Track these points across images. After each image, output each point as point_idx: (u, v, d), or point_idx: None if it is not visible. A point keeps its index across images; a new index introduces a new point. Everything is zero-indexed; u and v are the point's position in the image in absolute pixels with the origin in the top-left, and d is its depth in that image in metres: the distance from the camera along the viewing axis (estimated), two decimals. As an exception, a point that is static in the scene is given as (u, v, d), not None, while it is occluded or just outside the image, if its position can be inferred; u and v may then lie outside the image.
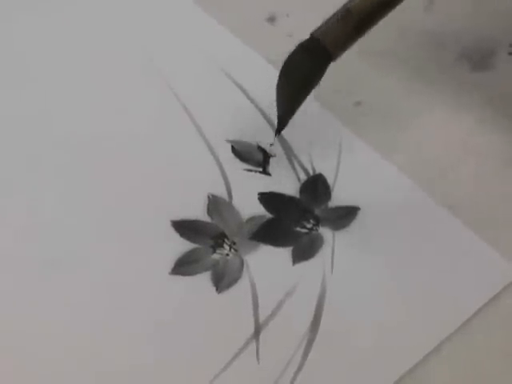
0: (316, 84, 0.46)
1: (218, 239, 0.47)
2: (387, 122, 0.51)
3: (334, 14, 0.45)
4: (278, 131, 0.49)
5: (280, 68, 0.47)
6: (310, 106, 0.50)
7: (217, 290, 0.45)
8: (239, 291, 0.45)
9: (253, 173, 0.49)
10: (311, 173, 0.49)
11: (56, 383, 0.43)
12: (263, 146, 0.50)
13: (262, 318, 0.44)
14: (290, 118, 0.47)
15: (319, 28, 0.45)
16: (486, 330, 0.44)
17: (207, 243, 0.47)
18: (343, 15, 0.44)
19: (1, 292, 0.45)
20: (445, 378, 0.43)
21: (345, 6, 0.45)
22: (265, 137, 0.50)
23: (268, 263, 0.46)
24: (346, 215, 0.48)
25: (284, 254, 0.46)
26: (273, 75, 0.48)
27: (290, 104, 0.47)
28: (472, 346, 0.43)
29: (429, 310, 0.44)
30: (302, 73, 0.46)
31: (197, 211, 0.48)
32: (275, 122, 0.50)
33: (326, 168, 0.49)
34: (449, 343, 0.43)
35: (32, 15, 0.56)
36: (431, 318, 0.44)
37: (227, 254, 0.46)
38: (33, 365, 0.43)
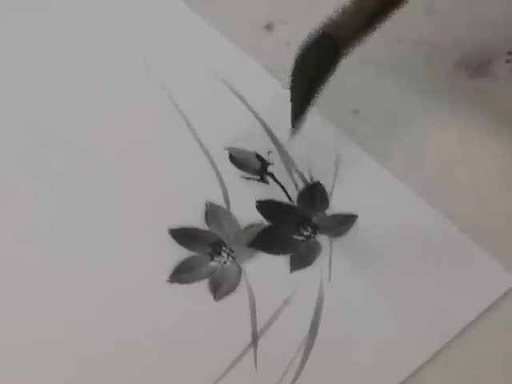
0: (327, 79, 0.45)
1: (216, 247, 0.47)
2: (385, 130, 0.51)
3: (345, 8, 0.44)
4: (296, 129, 0.48)
5: (279, 74, 0.47)
6: (307, 113, 0.50)
7: (214, 297, 0.45)
8: (237, 299, 0.45)
9: (251, 180, 0.49)
10: (309, 181, 0.49)
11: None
12: (261, 153, 0.50)
13: (259, 326, 0.44)
14: (306, 114, 0.47)
15: (330, 23, 0.45)
16: (484, 338, 0.44)
17: (205, 251, 0.47)
18: (353, 10, 0.44)
19: (0, 294, 0.45)
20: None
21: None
22: (263, 144, 0.50)
23: (266, 271, 0.46)
24: (343, 223, 0.48)
25: (282, 261, 0.46)
26: (270, 82, 0.48)
27: (306, 100, 0.46)
28: (470, 353, 0.43)
29: (427, 318, 0.44)
30: (315, 69, 0.45)
31: (194, 219, 0.48)
32: (273, 129, 0.50)
33: (323, 176, 0.49)
34: (447, 351, 0.43)
35: (27, 21, 0.56)
36: (429, 325, 0.44)
37: (225, 262, 0.46)
38: (31, 366, 0.43)
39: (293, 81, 0.46)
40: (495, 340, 0.44)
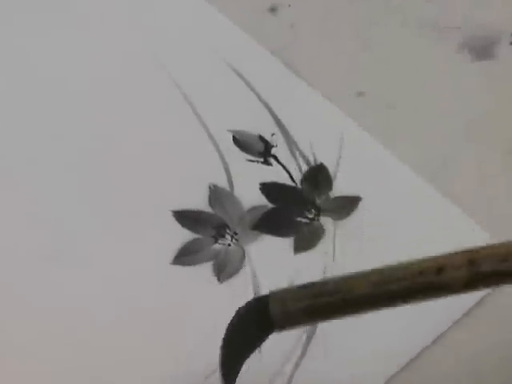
0: (252, 349, 0.39)
1: (220, 229, 0.47)
2: (389, 112, 0.51)
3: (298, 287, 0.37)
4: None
5: (283, 56, 0.46)
6: (311, 95, 0.50)
7: (218, 280, 0.45)
8: (240, 281, 0.45)
9: (254, 163, 0.49)
10: (313, 163, 0.49)
11: (56, 378, 0.43)
12: (265, 136, 0.50)
13: (263, 308, 0.44)
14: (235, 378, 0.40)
15: (275, 292, 0.37)
16: (482, 326, 0.44)
17: (209, 233, 0.47)
18: (298, 290, 0.36)
19: (1, 286, 0.45)
20: (440, 375, 0.43)
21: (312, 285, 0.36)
22: (266, 127, 0.50)
23: (269, 253, 0.46)
24: (347, 205, 0.48)
25: (285, 244, 0.46)
26: (274, 65, 0.48)
27: (233, 366, 0.39)
28: (468, 342, 0.43)
29: (426, 305, 0.44)
30: (244, 333, 0.39)
31: (198, 201, 0.48)
32: (277, 112, 0.50)
33: (327, 158, 0.49)
34: (444, 339, 0.43)
35: (34, 13, 0.56)
36: (432, 310, 0.44)
37: (229, 245, 0.46)
38: (32, 359, 0.43)
39: (222, 350, 0.39)
40: (492, 328, 0.44)
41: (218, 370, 0.39)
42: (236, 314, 0.38)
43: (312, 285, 0.35)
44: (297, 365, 0.43)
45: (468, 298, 0.44)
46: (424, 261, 0.33)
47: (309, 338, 0.44)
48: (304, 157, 0.49)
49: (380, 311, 0.34)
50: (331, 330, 0.44)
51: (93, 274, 0.45)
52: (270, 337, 0.43)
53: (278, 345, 0.43)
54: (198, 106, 0.51)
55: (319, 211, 0.47)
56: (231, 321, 0.39)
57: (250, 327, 0.38)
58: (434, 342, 0.43)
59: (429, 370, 0.43)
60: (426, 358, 0.43)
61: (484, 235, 0.46)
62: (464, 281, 0.32)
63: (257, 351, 0.43)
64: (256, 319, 0.38)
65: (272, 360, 0.43)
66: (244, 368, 0.42)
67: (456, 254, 0.33)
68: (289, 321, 0.36)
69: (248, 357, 0.39)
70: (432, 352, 0.43)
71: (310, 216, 0.47)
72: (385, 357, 0.43)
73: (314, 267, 0.46)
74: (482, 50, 0.53)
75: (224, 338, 0.39)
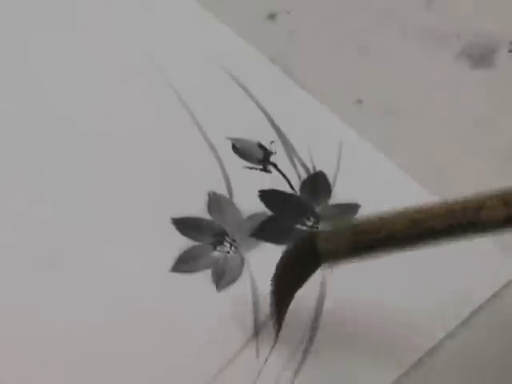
0: (301, 284, 0.42)
1: (219, 237, 0.47)
2: (388, 119, 0.51)
3: (342, 225, 0.42)
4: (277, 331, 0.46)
5: (283, 63, 0.46)
6: (310, 103, 0.50)
7: (217, 287, 0.45)
8: (239, 289, 0.45)
9: (253, 170, 0.49)
10: (312, 170, 0.49)
11: (55, 380, 0.43)
12: (264, 143, 0.50)
13: (262, 316, 0.44)
14: (284, 317, 0.43)
15: (324, 231, 0.42)
16: (485, 328, 0.44)
17: (207, 241, 0.47)
18: (348, 228, 0.40)
19: (0, 289, 0.45)
20: (444, 376, 0.43)
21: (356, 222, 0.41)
22: (265, 134, 0.50)
23: (268, 261, 0.46)
24: (346, 213, 0.48)
25: (284, 251, 0.46)
26: (273, 72, 0.48)
27: (284, 302, 0.43)
28: (472, 344, 0.43)
29: (429, 308, 0.44)
30: (292, 269, 0.42)
31: (197, 209, 0.48)
32: (276, 119, 0.50)
33: (326, 165, 0.49)
34: (448, 341, 0.43)
35: (33, 12, 0.56)
36: (431, 315, 0.44)
37: (227, 252, 0.46)
38: (32, 362, 0.43)
39: (273, 283, 0.42)
40: (498, 330, 0.44)
41: (270, 302, 0.42)
42: (286, 251, 0.42)
43: (358, 222, 0.39)
44: (298, 370, 0.43)
45: (467, 304, 0.44)
46: (465, 201, 0.37)
47: (310, 343, 0.43)
48: (303, 164, 0.49)
49: (421, 249, 0.38)
50: (334, 327, 0.44)
51: (92, 281, 0.45)
52: (271, 338, 0.43)
53: (280, 349, 0.43)
54: (197, 113, 0.51)
55: (318, 219, 0.47)
56: (281, 257, 0.42)
57: (299, 262, 0.41)
58: (436, 345, 0.43)
59: (429, 376, 0.43)
60: (427, 364, 0.43)
61: (481, 240, 0.46)
62: (502, 218, 0.36)
63: (256, 356, 0.43)
64: (304, 255, 0.41)
65: (273, 364, 0.43)
66: (245, 372, 0.42)
67: (492, 195, 0.37)
68: (335, 256, 0.40)
69: (297, 291, 0.42)
70: (432, 358, 0.43)
71: (309, 223, 0.47)
72: (385, 363, 0.43)
73: (312, 275, 0.45)
74: (480, 57, 0.53)
75: (274, 274, 0.42)
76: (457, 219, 0.37)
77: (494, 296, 0.45)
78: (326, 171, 0.49)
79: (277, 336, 0.44)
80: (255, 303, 0.45)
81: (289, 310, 0.44)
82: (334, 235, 0.40)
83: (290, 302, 0.42)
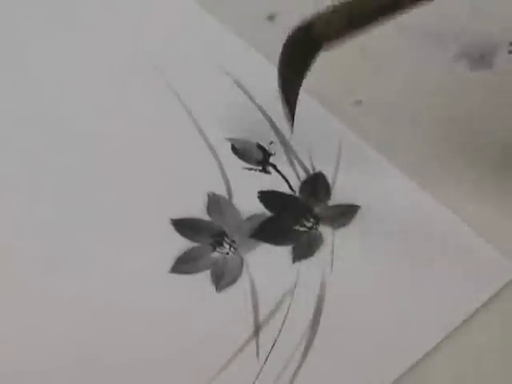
0: (306, 69, 0.45)
1: (218, 238, 0.47)
2: (387, 120, 0.51)
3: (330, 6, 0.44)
4: (292, 123, 0.48)
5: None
6: (309, 104, 0.50)
7: (216, 288, 0.45)
8: (239, 290, 0.45)
9: (252, 171, 0.49)
10: (311, 171, 0.49)
11: (55, 380, 0.43)
12: (263, 144, 0.50)
13: (261, 317, 0.44)
14: (296, 101, 0.47)
15: (312, 18, 0.44)
16: (486, 329, 0.44)
17: (207, 242, 0.47)
18: (339, 7, 0.43)
19: (0, 289, 0.45)
20: (445, 377, 0.43)
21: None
22: (265, 135, 0.50)
23: (268, 262, 0.46)
24: (345, 213, 0.48)
25: (284, 252, 0.46)
26: (273, 73, 0.48)
27: (294, 87, 0.46)
28: (472, 344, 0.43)
29: (428, 309, 0.45)
30: (295, 58, 0.45)
31: (196, 210, 0.48)
32: (275, 120, 0.50)
33: (325, 166, 0.49)
34: (449, 341, 0.43)
35: (33, 13, 0.56)
36: (431, 316, 0.44)
37: (227, 253, 0.46)
38: (32, 361, 0.43)
39: (280, 71, 0.46)
40: (498, 330, 0.44)
41: (279, 95, 0.45)
42: (285, 43, 0.44)
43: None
44: (296, 372, 0.43)
45: (467, 304, 0.44)
46: None
47: (309, 342, 0.44)
48: (302, 165, 0.49)
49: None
50: (333, 328, 0.44)
51: (91, 282, 0.45)
52: (271, 338, 0.43)
53: (279, 349, 0.43)
54: (197, 114, 0.51)
55: (317, 220, 0.47)
56: (282, 48, 0.44)
57: (300, 49, 0.44)
58: (435, 347, 0.44)
59: (430, 376, 0.43)
60: (427, 365, 0.43)
61: (479, 240, 0.46)
62: None
63: (256, 356, 0.43)
64: (303, 40, 0.43)
65: (273, 364, 0.43)
66: (245, 372, 0.42)
67: None
68: (334, 35, 0.43)
69: (303, 77, 0.44)
70: (433, 358, 0.43)
71: (309, 224, 0.47)
72: (385, 363, 0.43)
73: (312, 276, 0.46)
74: (480, 58, 0.53)
75: (279, 66, 0.45)
76: None
77: (494, 296, 0.45)
78: (325, 172, 0.49)
79: (292, 126, 0.46)
80: (255, 303, 0.45)
81: (288, 310, 0.44)
82: (326, 17, 0.43)
83: (298, 90, 0.45)
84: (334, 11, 0.43)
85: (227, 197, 0.48)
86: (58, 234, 0.47)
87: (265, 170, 0.49)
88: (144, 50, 0.54)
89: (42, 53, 0.55)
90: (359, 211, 0.48)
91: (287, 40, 0.45)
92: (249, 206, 0.48)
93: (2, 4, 0.57)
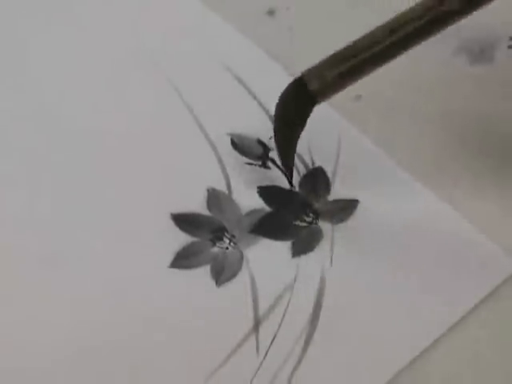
0: (303, 125, 0.45)
1: (218, 233, 0.47)
2: (387, 115, 0.51)
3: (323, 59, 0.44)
4: (291, 178, 0.48)
5: (282, 59, 0.46)
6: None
7: (216, 283, 0.45)
8: (239, 285, 0.45)
9: (252, 166, 0.49)
10: (311, 166, 0.49)
11: (54, 377, 0.43)
12: (263, 139, 0.50)
13: (261, 312, 0.44)
14: (293, 157, 0.48)
15: (309, 70, 0.44)
16: (485, 324, 0.44)
17: (207, 237, 0.47)
18: (330, 60, 0.43)
19: (0, 286, 0.45)
20: (443, 372, 0.43)
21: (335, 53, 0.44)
22: (265, 130, 0.50)
23: (267, 257, 0.46)
24: (345, 208, 0.48)
25: (283, 247, 0.46)
26: (273, 68, 0.48)
27: (289, 145, 0.47)
28: (471, 339, 0.43)
29: (428, 304, 0.44)
30: (290, 115, 0.45)
31: (196, 205, 0.48)
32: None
33: (325, 161, 0.49)
34: (448, 337, 0.43)
35: (33, 10, 0.56)
36: (430, 311, 0.44)
37: (227, 248, 0.47)
38: (32, 360, 0.43)
39: (276, 128, 0.46)
40: (497, 325, 0.44)
41: (277, 151, 0.46)
42: (279, 100, 0.45)
43: (341, 51, 0.42)
44: (296, 367, 0.43)
45: (466, 301, 0.44)
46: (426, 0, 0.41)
47: (309, 339, 0.44)
48: (302, 160, 0.49)
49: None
50: (333, 323, 0.44)
51: (91, 277, 0.45)
52: (270, 332, 0.43)
53: (279, 343, 0.43)
54: (197, 109, 0.51)
55: (317, 215, 0.47)
56: (276, 107, 0.45)
57: (294, 106, 0.44)
58: (434, 343, 0.44)
59: (429, 371, 0.43)
60: (426, 360, 0.43)
61: (480, 236, 0.46)
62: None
63: (255, 351, 0.43)
64: (297, 97, 0.43)
65: (273, 358, 0.43)
66: (244, 367, 0.42)
67: None
68: (328, 89, 0.43)
69: (300, 134, 0.45)
70: (432, 353, 0.43)
71: (308, 219, 0.47)
72: (384, 359, 0.43)
73: (312, 271, 0.46)
74: (479, 53, 0.53)
75: (274, 123, 0.45)
76: (429, 15, 0.41)
77: (494, 292, 0.45)
78: (324, 167, 0.49)
79: (290, 181, 0.47)
80: (254, 298, 0.45)
81: (288, 305, 0.44)
82: (318, 71, 0.43)
83: (295, 144, 0.45)
84: (326, 64, 0.43)
85: (227, 192, 0.48)
86: (58, 230, 0.47)
87: (265, 165, 0.49)
88: (144, 45, 0.54)
89: (42, 50, 0.55)
90: (359, 206, 0.48)
91: (281, 96, 0.45)
92: (249, 201, 0.48)
93: (2, 3, 0.57)
